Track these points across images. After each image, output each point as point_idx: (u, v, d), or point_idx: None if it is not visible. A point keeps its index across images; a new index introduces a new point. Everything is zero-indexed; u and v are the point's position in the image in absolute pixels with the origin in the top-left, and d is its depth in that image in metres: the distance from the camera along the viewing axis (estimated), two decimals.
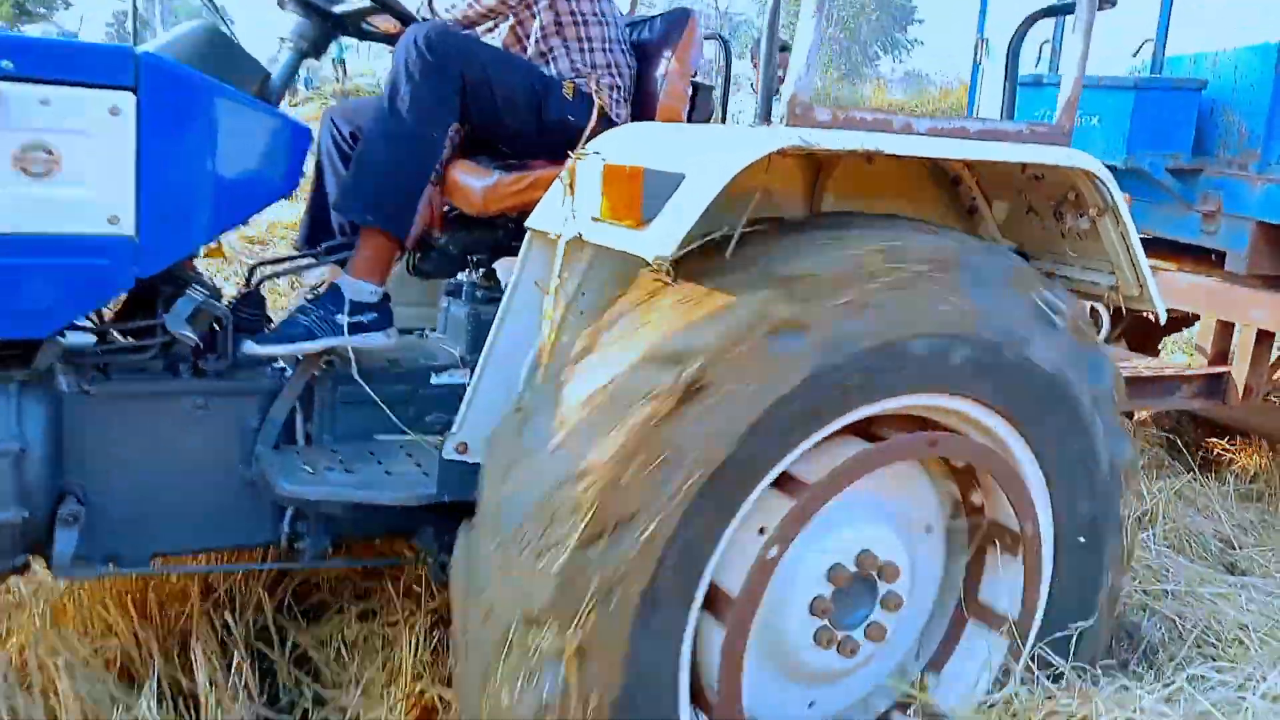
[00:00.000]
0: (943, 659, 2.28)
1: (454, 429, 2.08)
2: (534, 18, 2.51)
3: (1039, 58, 4.00)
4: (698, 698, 1.96)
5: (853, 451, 1.93)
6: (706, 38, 2.93)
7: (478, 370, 2.06)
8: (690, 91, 2.57)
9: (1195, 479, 3.92)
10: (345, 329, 2.24)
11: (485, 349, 2.05)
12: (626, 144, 1.85)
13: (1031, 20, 2.22)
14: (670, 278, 1.78)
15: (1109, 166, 2.72)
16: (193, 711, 2.33)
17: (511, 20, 2.55)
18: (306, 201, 2.62)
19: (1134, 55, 3.84)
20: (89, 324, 2.11)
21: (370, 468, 2.24)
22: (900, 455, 2.03)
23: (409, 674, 2.39)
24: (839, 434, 1.92)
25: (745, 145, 1.68)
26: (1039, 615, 2.21)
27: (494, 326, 2.04)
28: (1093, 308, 3.43)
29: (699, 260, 1.81)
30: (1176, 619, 2.84)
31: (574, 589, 1.69)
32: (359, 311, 2.27)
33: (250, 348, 2.17)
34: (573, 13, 2.54)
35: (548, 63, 2.53)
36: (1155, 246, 4.13)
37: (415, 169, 2.28)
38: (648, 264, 1.73)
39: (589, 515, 1.69)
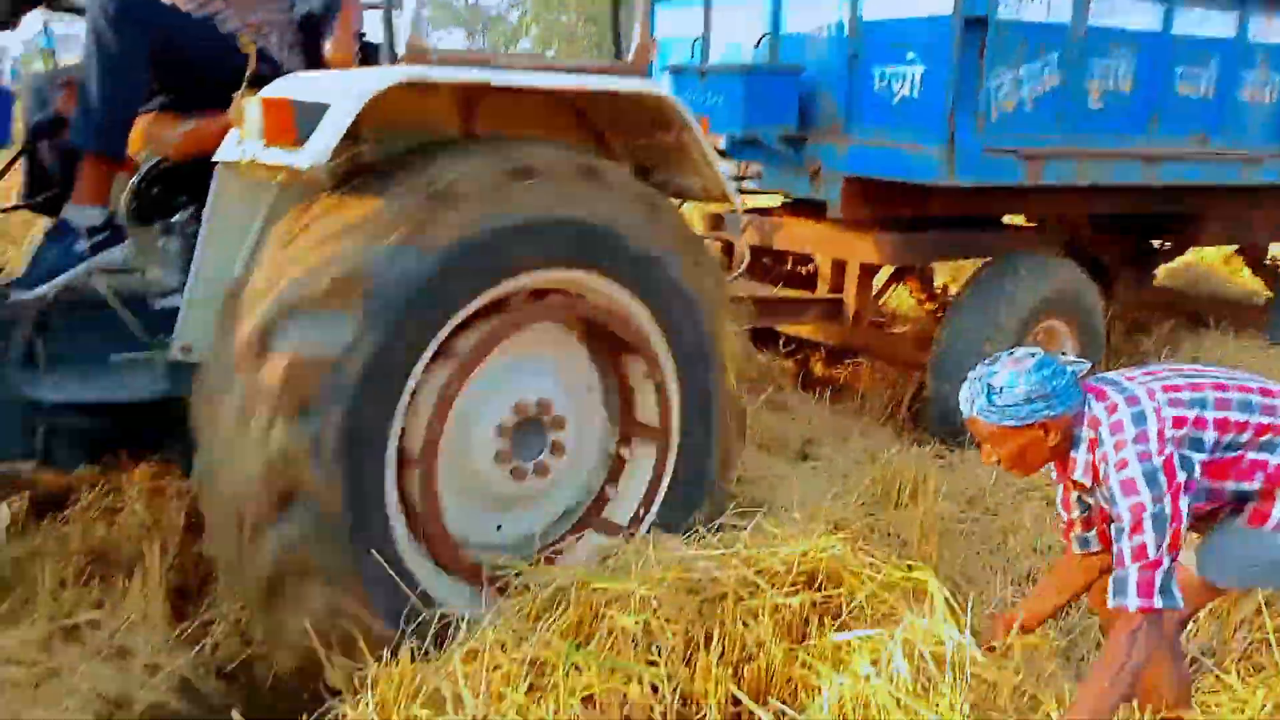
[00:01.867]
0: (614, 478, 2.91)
1: (176, 334, 2.48)
2: None
3: (758, 46, 4.68)
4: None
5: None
6: (370, 6, 3.41)
7: (189, 284, 2.47)
8: (358, 47, 3.04)
9: (791, 392, 4.82)
10: (86, 253, 2.55)
11: (194, 267, 2.46)
12: (284, 86, 2.31)
13: None
14: (328, 188, 2.26)
15: (733, 139, 3.51)
16: None
17: None
18: (24, 161, 2.89)
19: (755, 46, 4.63)
20: None
21: (109, 377, 2.58)
22: (551, 314, 2.60)
23: (51, 599, 2.69)
24: None
25: (375, 80, 2.19)
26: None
27: (198, 247, 2.46)
28: (734, 245, 4.23)
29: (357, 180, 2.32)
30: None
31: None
32: (94, 235, 2.59)
33: (18, 296, 2.45)
34: None
35: (221, 20, 2.91)
36: (786, 206, 5.02)
37: (121, 100, 2.61)
38: (310, 178, 2.20)
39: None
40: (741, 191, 4.85)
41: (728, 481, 3.11)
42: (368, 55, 3.08)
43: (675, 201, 2.87)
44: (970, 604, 2.41)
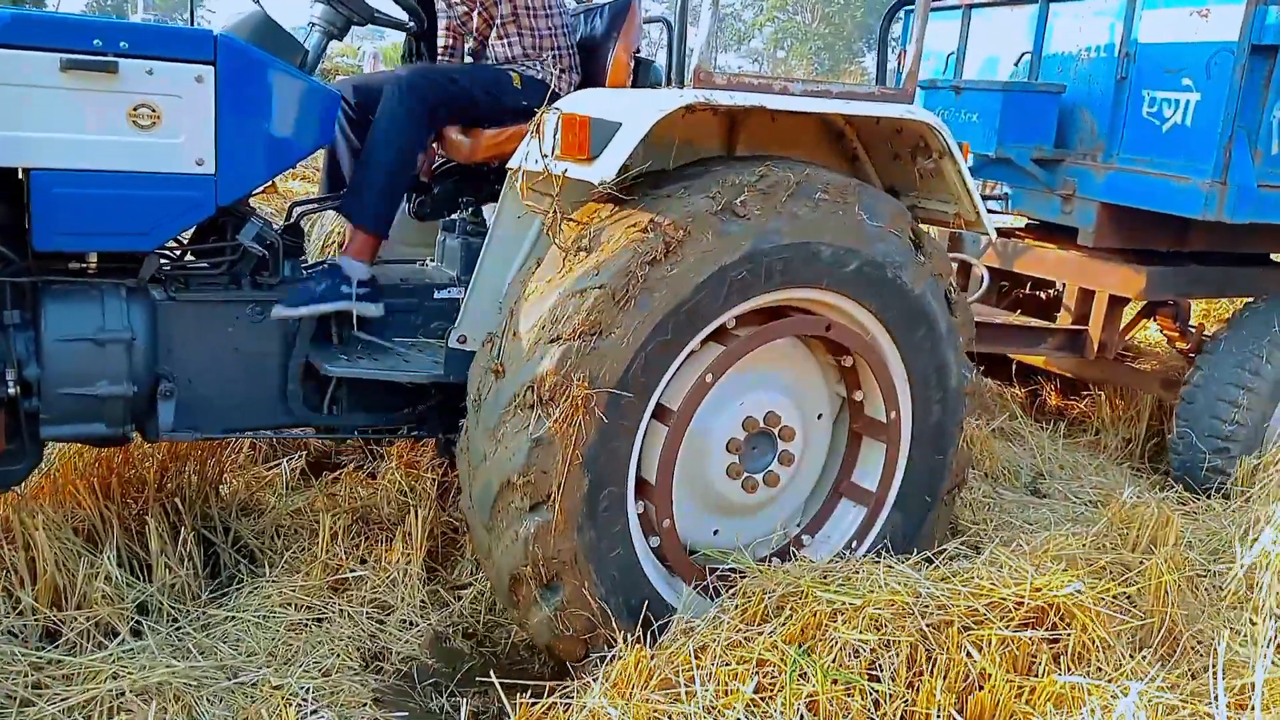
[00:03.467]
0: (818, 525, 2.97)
1: (455, 325, 2.74)
2: (496, 5, 3.16)
3: (1018, 65, 4.58)
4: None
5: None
6: (650, 20, 3.60)
7: (473, 280, 2.71)
8: (634, 65, 3.22)
9: (1022, 420, 4.65)
10: (350, 296, 2.86)
11: (478, 263, 2.71)
12: (579, 103, 2.49)
13: (893, 10, 2.88)
14: (616, 199, 2.44)
15: (983, 156, 3.44)
16: (146, 575, 2.85)
17: (479, 9, 3.20)
18: (325, 158, 3.26)
19: (1015, 64, 4.51)
20: (176, 245, 2.75)
21: (391, 358, 2.88)
22: (802, 329, 2.69)
23: (324, 552, 3.01)
24: None
25: (664, 101, 2.34)
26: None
27: (485, 245, 2.69)
28: (973, 266, 4.15)
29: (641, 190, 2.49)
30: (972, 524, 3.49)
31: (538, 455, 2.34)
32: (358, 285, 2.88)
33: (279, 310, 2.77)
34: (529, 8, 3.18)
35: (505, 46, 3.17)
36: (1032, 229, 4.85)
37: (395, 189, 2.96)
38: (596, 190, 2.39)
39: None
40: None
41: (953, 506, 3.11)
42: (639, 73, 3.27)
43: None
44: (1213, 666, 2.33)
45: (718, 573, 2.66)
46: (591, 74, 3.29)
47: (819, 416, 2.94)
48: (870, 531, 2.91)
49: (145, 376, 2.64)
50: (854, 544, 2.91)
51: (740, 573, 2.59)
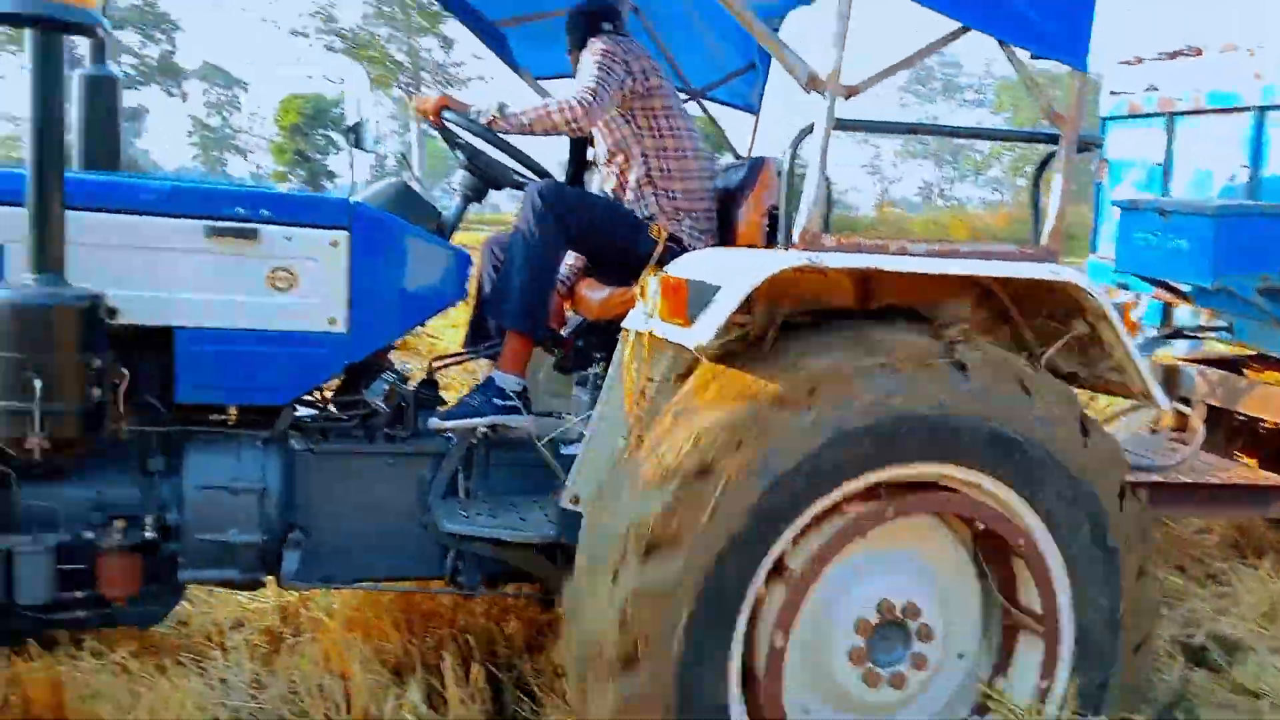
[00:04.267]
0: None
1: (569, 483, 2.68)
2: (631, 169, 3.20)
3: (1233, 181, 4.22)
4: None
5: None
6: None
7: (586, 438, 2.67)
8: (767, 221, 3.16)
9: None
10: (499, 411, 2.89)
11: (592, 421, 2.66)
12: (686, 265, 2.44)
13: (1044, 164, 2.65)
14: (713, 362, 2.34)
15: (1199, 287, 3.05)
16: (444, 706, 2.92)
17: (617, 170, 3.26)
18: (471, 309, 3.37)
19: (1231, 180, 4.04)
20: (311, 399, 2.88)
21: (510, 515, 2.84)
22: (939, 508, 2.44)
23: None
24: None
25: (766, 265, 2.24)
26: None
27: (597, 405, 2.65)
28: (1188, 416, 3.66)
29: (744, 350, 2.37)
30: None
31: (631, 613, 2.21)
32: (507, 398, 2.92)
33: (434, 423, 2.84)
34: (663, 170, 3.20)
35: (642, 204, 3.20)
36: (1259, 360, 4.25)
37: (537, 288, 2.96)
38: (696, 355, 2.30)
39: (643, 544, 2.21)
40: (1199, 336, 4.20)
41: (1139, 687, 2.65)
42: (776, 225, 3.20)
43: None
44: None
45: None
46: (727, 231, 3.25)
47: (960, 656, 2.62)
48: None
49: (276, 525, 2.73)
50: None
51: None
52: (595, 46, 3.14)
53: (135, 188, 2.47)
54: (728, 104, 4.08)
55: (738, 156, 3.95)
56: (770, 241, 3.16)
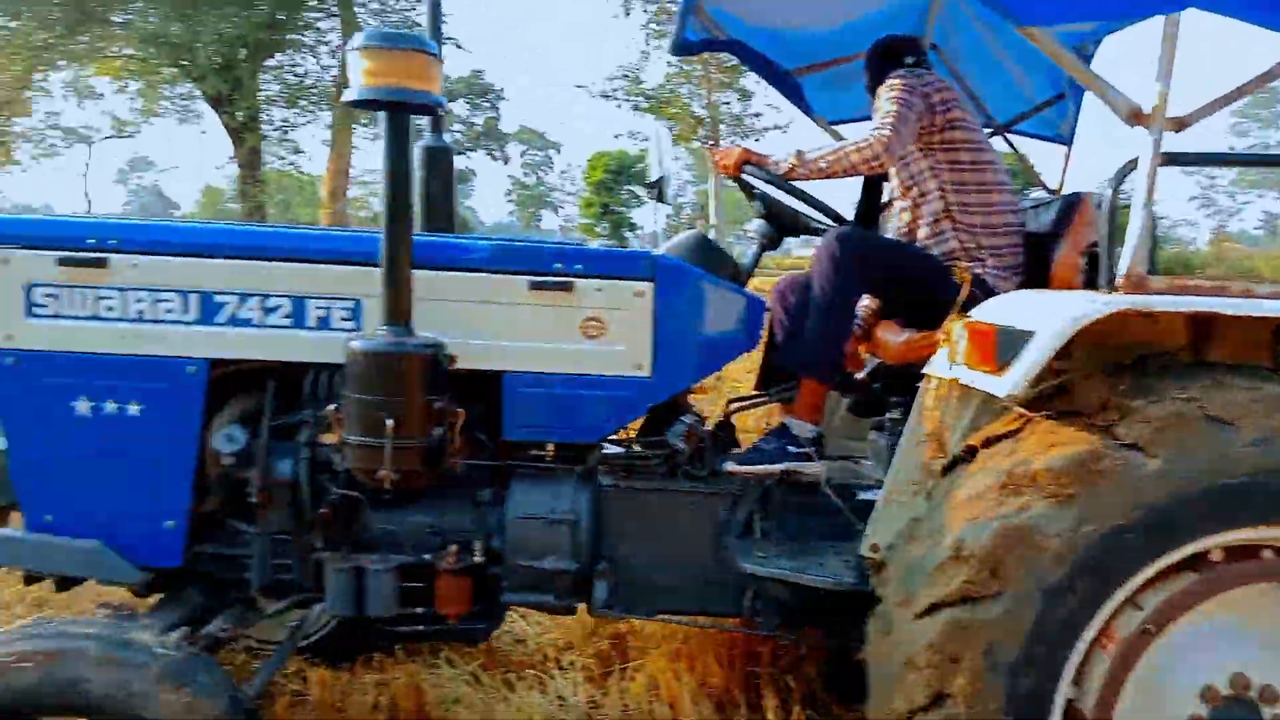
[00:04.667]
0: None
1: (868, 532, 2.64)
2: (928, 203, 3.11)
3: None
4: None
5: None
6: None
7: (885, 486, 2.62)
8: (1085, 262, 2.95)
9: None
10: (792, 457, 2.92)
11: (891, 468, 2.61)
12: (994, 309, 2.34)
13: None
14: (1025, 412, 2.22)
15: None
16: None
17: (912, 205, 3.18)
18: (763, 352, 3.41)
19: None
20: (616, 438, 3.04)
21: (807, 559, 2.84)
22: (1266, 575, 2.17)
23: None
24: None
25: (1085, 310, 2.11)
26: None
27: (897, 452, 2.60)
28: None
29: (1060, 398, 2.24)
30: None
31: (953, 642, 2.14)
32: (801, 444, 2.94)
33: (729, 467, 2.92)
34: (962, 205, 3.09)
35: (939, 241, 3.10)
36: None
37: (834, 335, 2.96)
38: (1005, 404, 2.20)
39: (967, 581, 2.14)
40: None
41: None
42: (1094, 265, 2.99)
43: None
44: None
45: None
46: (1040, 271, 3.07)
47: None
48: None
49: (587, 555, 2.89)
50: None
51: None
52: (892, 82, 3.12)
53: (468, 248, 2.74)
54: (1036, 136, 3.89)
55: (1050, 191, 3.76)
56: (1089, 283, 2.97)
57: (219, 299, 2.65)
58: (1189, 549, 2.12)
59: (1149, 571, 2.13)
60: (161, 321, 2.63)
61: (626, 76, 38.04)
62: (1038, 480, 2.11)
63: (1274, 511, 2.09)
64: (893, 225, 3.49)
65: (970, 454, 2.36)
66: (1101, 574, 2.09)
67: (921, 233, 3.21)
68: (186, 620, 2.69)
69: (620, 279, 2.72)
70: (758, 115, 37.18)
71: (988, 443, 2.32)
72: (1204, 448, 2.06)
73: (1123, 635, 2.14)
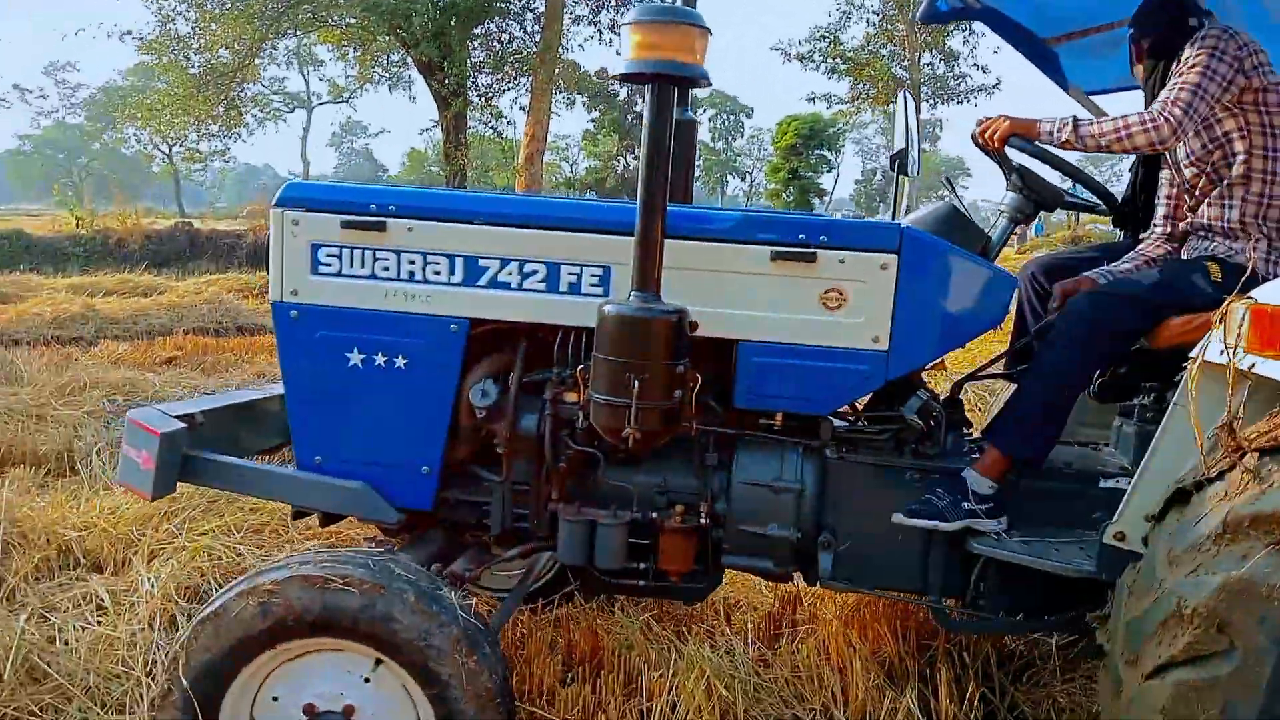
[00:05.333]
0: None
1: (1114, 520, 2.54)
2: (1229, 167, 2.91)
3: None
4: None
5: None
6: None
7: (1138, 473, 2.50)
8: None
9: None
10: (966, 515, 2.80)
11: (1146, 456, 2.49)
12: (1273, 291, 2.19)
13: None
14: None
15: None
16: (935, 718, 3.03)
17: (1209, 169, 2.98)
18: (1011, 331, 3.30)
19: None
20: (844, 411, 3.03)
21: (1042, 544, 2.77)
22: None
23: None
24: None
25: None
26: None
27: (1155, 438, 2.48)
28: None
29: None
30: None
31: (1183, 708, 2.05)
32: (979, 501, 2.82)
33: (899, 519, 2.82)
34: (1267, 173, 2.86)
35: (1226, 206, 2.89)
36: None
37: (1054, 417, 2.83)
38: None
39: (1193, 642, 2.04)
40: None
41: None
42: None
43: None
44: None
45: None
46: None
47: None
48: None
49: (809, 525, 2.92)
50: None
51: None
52: (1200, 46, 2.87)
53: (714, 218, 2.79)
54: None
55: None
56: None
57: (482, 263, 2.81)
58: None
59: None
60: (430, 282, 2.83)
61: (825, 37, 37.19)
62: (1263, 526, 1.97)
63: None
64: (1161, 194, 3.27)
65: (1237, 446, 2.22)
66: None
67: (1210, 200, 3.00)
68: (434, 559, 2.90)
69: (865, 251, 2.70)
70: (963, 78, 35.70)
71: (1259, 435, 2.18)
72: None
73: None
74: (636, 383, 2.50)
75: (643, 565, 2.99)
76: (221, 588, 2.67)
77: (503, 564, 3.18)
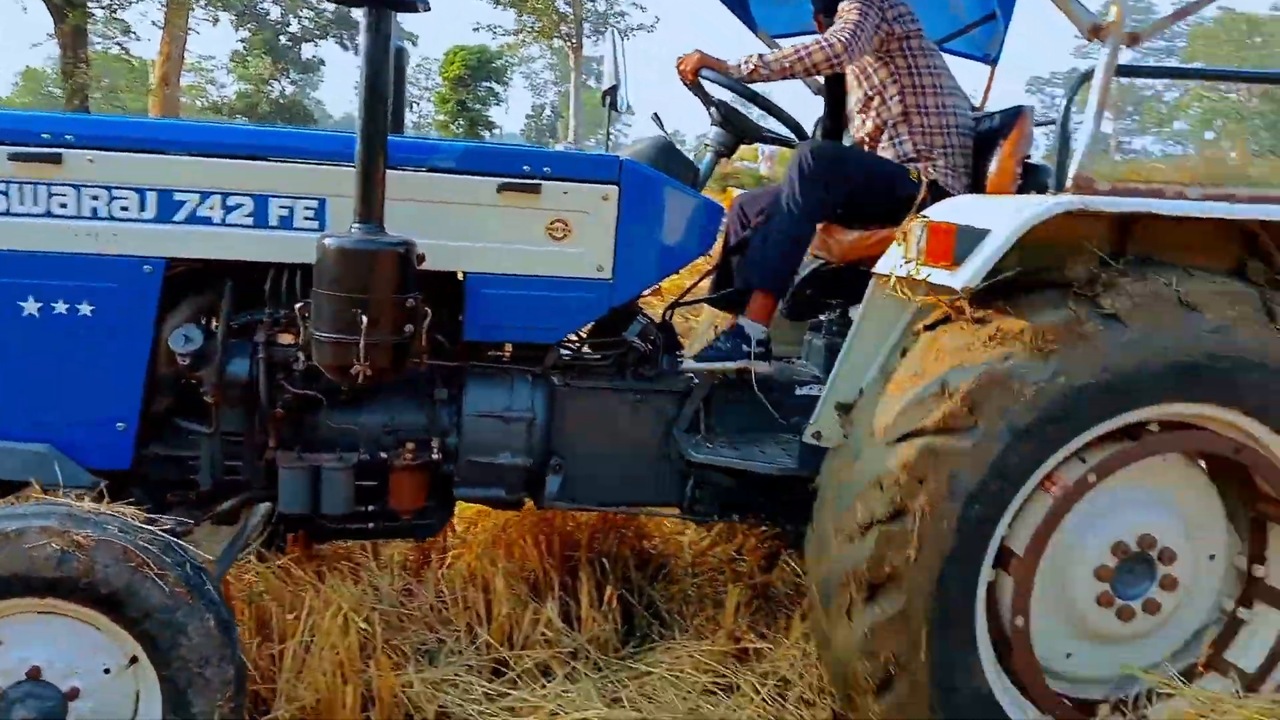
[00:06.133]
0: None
1: (812, 421, 2.81)
2: (888, 108, 3.27)
3: None
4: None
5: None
6: (1041, 124, 3.52)
7: (830, 379, 2.78)
8: (1020, 170, 3.18)
9: None
10: (749, 355, 3.06)
11: (837, 364, 2.78)
12: (948, 210, 2.52)
13: None
14: (971, 308, 2.41)
15: None
16: (576, 623, 3.17)
17: (874, 114, 3.33)
18: (717, 259, 3.52)
19: None
20: (574, 339, 3.11)
21: (750, 448, 3.02)
22: (1177, 446, 2.50)
23: (729, 621, 3.16)
24: None
25: (1035, 208, 2.30)
26: None
27: (845, 346, 2.76)
28: None
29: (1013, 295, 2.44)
30: None
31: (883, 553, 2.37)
32: (757, 345, 3.08)
33: (688, 365, 3.04)
34: (920, 107, 3.26)
35: (898, 143, 3.26)
36: None
37: (794, 252, 3.11)
38: (955, 296, 2.38)
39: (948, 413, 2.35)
40: None
41: None
42: (1028, 178, 3.21)
43: None
44: None
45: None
46: (979, 179, 3.28)
47: (1210, 558, 2.67)
48: None
49: (540, 451, 2.99)
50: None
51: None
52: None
53: (438, 148, 2.72)
54: (964, 55, 4.08)
55: (972, 107, 3.96)
56: (1022, 190, 3.19)
57: (179, 197, 2.56)
58: (1142, 414, 2.40)
59: (1104, 427, 2.40)
60: (117, 219, 2.53)
61: None
62: (1024, 335, 2.33)
63: (1217, 392, 2.39)
64: (852, 138, 3.61)
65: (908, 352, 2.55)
66: (1064, 423, 2.34)
67: (883, 139, 3.35)
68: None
69: (587, 182, 2.76)
70: (623, 14, 36.63)
71: (925, 344, 2.52)
72: (1173, 327, 2.33)
73: (1068, 480, 2.41)
74: (365, 318, 2.41)
75: (371, 508, 2.92)
76: None
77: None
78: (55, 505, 2.28)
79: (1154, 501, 2.55)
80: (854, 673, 2.46)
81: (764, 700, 2.89)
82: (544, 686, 2.90)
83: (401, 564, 3.55)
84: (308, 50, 46.96)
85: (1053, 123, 3.68)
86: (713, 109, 3.18)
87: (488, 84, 48.52)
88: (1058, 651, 2.61)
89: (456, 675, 2.94)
